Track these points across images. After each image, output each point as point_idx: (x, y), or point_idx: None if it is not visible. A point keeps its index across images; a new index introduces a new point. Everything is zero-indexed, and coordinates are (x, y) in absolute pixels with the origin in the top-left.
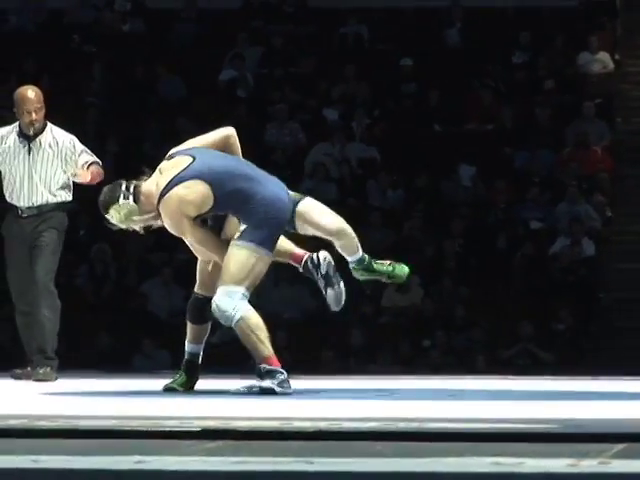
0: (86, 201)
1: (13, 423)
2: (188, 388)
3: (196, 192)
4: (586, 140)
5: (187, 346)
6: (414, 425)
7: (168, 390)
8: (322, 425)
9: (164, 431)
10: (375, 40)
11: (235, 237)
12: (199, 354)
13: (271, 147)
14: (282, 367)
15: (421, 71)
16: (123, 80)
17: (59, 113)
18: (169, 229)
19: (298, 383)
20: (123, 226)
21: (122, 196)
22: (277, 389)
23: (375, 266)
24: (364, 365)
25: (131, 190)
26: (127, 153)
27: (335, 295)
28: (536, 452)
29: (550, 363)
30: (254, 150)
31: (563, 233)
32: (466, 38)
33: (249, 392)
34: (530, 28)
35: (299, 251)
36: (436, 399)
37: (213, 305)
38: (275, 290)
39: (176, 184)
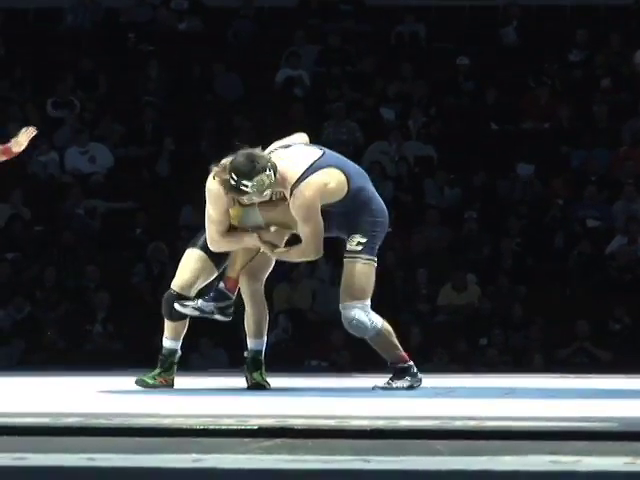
0: (142, 200)
1: (69, 421)
2: (169, 384)
3: (337, 181)
4: None
5: (165, 342)
6: (471, 423)
7: (139, 383)
8: (379, 423)
9: (221, 429)
10: (432, 38)
11: (357, 249)
12: (177, 350)
13: (328, 146)
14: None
15: (478, 69)
16: (180, 79)
17: (116, 112)
18: (295, 212)
19: (356, 382)
20: (255, 197)
21: (268, 168)
22: (415, 384)
23: None
24: (421, 363)
25: (271, 168)
26: (184, 151)
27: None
28: (593, 450)
29: (607, 362)
30: None
31: (620, 232)
32: (523, 36)
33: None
34: (587, 26)
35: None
36: (493, 397)
37: (352, 321)
38: (333, 289)
39: (315, 170)
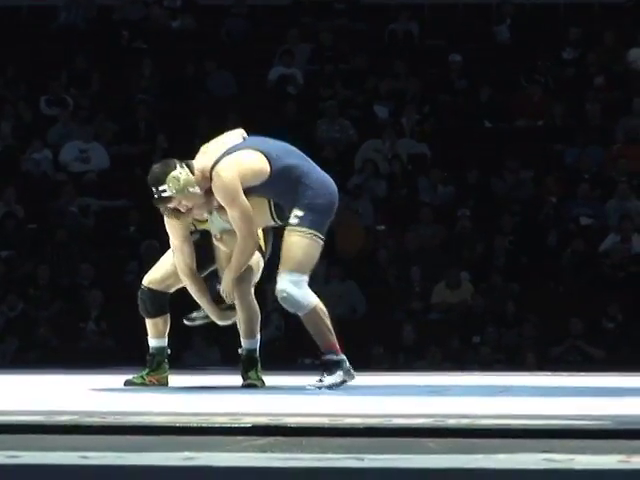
0: (136, 198)
1: (62, 419)
2: (162, 383)
3: (253, 159)
4: (636, 136)
5: (149, 341)
6: (465, 422)
7: (128, 384)
8: (372, 421)
9: (214, 427)
10: (425, 36)
11: (293, 222)
12: (163, 348)
13: (321, 143)
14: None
15: (471, 67)
16: (173, 77)
17: (109, 109)
18: (219, 198)
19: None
20: (177, 200)
21: (177, 167)
22: (348, 380)
23: None
24: (414, 361)
25: (184, 165)
26: (177, 149)
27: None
28: (587, 448)
29: (600, 360)
30: (304, 147)
31: (613, 230)
32: (516, 34)
33: (323, 388)
34: (580, 24)
35: None
36: (486, 395)
37: (283, 294)
38: (326, 287)
39: (229, 153)
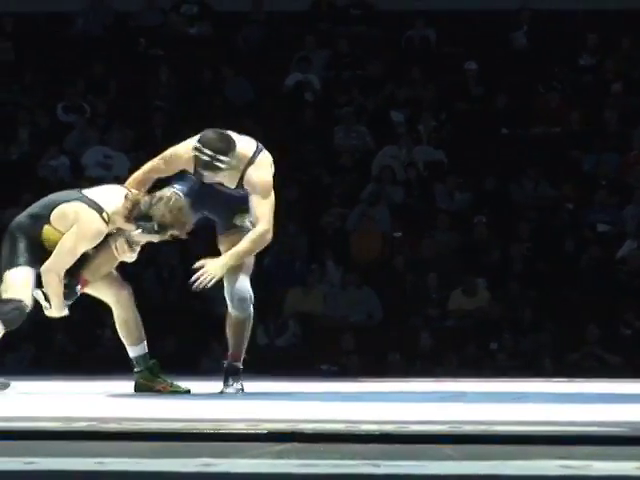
0: None
1: (79, 425)
2: (174, 389)
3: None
4: None
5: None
6: (481, 428)
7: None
8: (389, 428)
9: (231, 434)
10: (442, 43)
11: (249, 226)
12: (142, 356)
13: (338, 150)
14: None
15: (488, 74)
16: (190, 83)
17: (126, 116)
18: (254, 190)
19: (365, 386)
20: (226, 172)
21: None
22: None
23: None
24: (431, 368)
25: None
26: None
27: None
28: (604, 455)
29: (617, 366)
30: (321, 153)
31: (630, 236)
32: (533, 41)
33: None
34: (597, 31)
35: None
36: (503, 402)
37: (247, 294)
38: (342, 293)
39: (260, 151)
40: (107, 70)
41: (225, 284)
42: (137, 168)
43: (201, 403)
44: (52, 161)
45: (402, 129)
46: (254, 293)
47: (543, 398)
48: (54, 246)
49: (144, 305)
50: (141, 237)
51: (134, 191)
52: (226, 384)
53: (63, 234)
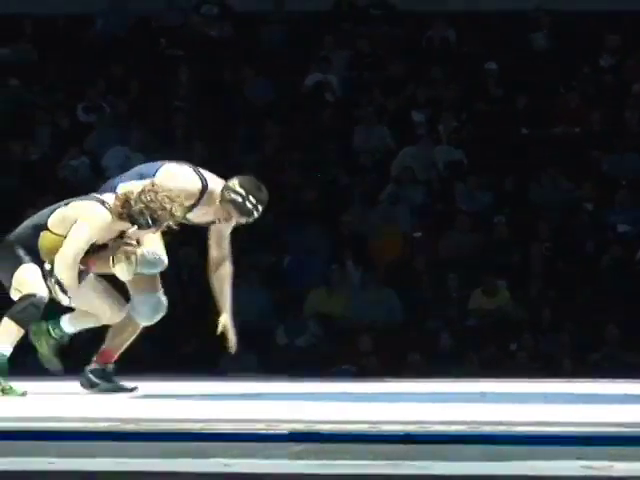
0: None
1: (100, 426)
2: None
3: None
4: None
5: None
6: (501, 428)
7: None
8: (410, 428)
9: (252, 434)
10: (462, 43)
11: None
12: None
13: (358, 151)
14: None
15: (508, 74)
16: (210, 84)
17: (147, 117)
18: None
19: (385, 386)
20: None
21: None
22: None
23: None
24: (451, 368)
25: None
26: (214, 156)
27: None
28: (625, 455)
29: (637, 366)
30: (341, 154)
31: None
32: (553, 41)
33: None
34: (617, 31)
35: None
36: (523, 402)
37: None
38: (362, 294)
39: None
40: (127, 70)
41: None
42: None
43: (220, 404)
44: (72, 161)
45: (422, 129)
46: (274, 294)
47: (563, 399)
48: (50, 253)
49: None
50: (138, 233)
51: (122, 191)
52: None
53: (63, 237)
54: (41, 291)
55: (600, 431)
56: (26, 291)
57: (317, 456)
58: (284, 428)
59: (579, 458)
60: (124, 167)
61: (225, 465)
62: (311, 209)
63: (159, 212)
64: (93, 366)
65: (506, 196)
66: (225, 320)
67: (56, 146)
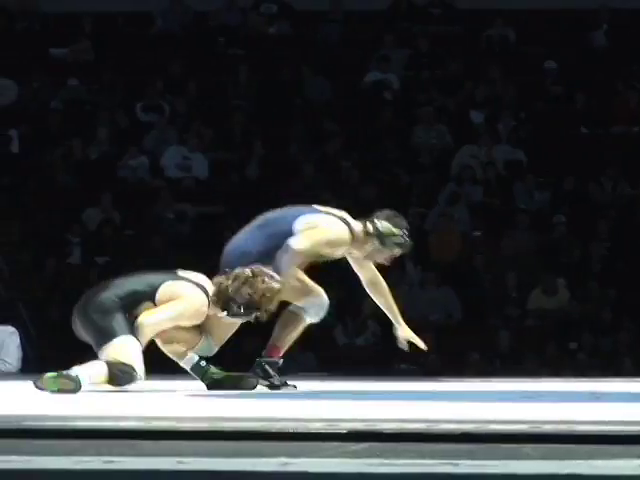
0: (232, 204)
1: (159, 424)
2: None
3: None
4: None
5: None
6: (562, 427)
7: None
8: (468, 427)
9: (310, 433)
10: (521, 42)
11: None
12: None
13: (417, 149)
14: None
15: (567, 73)
16: (269, 82)
17: (205, 116)
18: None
19: (444, 385)
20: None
21: None
22: None
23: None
24: (510, 367)
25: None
26: (273, 155)
27: None
28: None
29: None
30: (400, 152)
31: None
32: (613, 40)
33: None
34: None
35: None
36: (583, 401)
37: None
38: (421, 292)
39: None
40: (186, 70)
41: None
42: (214, 166)
43: (279, 402)
44: (131, 161)
45: (481, 128)
46: (333, 293)
47: (623, 397)
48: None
49: None
50: (229, 320)
51: (218, 277)
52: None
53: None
54: (141, 373)
55: None
56: (133, 363)
57: (376, 455)
58: (343, 427)
59: (639, 457)
60: (182, 167)
61: (284, 464)
62: (370, 208)
63: (257, 300)
64: (267, 359)
65: (565, 195)
66: (404, 334)
67: (115, 145)
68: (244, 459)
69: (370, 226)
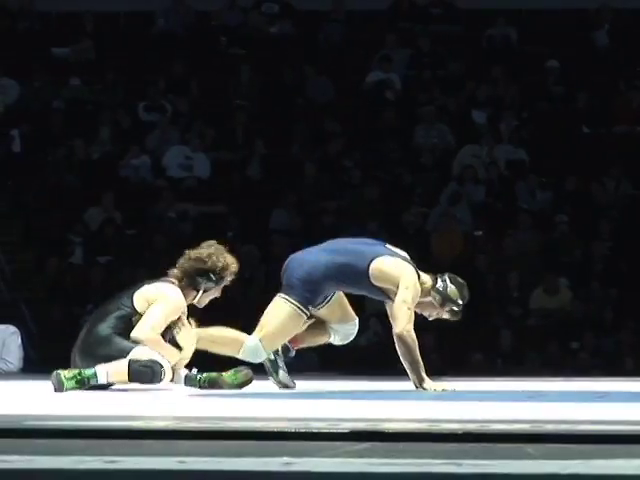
0: (234, 203)
1: (160, 424)
2: None
3: None
4: None
5: None
6: (563, 427)
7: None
8: (471, 427)
9: (313, 432)
10: (523, 42)
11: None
12: None
13: (419, 149)
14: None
15: (569, 73)
16: (271, 82)
17: (207, 116)
18: None
19: (447, 385)
20: None
21: None
22: None
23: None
24: (512, 367)
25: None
26: (275, 155)
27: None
28: None
29: None
30: (402, 152)
31: None
32: (615, 39)
33: None
34: None
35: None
36: (584, 401)
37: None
38: None
39: None
40: (188, 69)
41: None
42: (215, 165)
43: (282, 402)
44: (133, 160)
45: (483, 128)
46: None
47: (625, 397)
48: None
49: (225, 305)
50: (207, 296)
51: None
52: None
53: None
54: (167, 368)
55: None
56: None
57: (378, 454)
58: (346, 427)
59: None
60: (184, 166)
61: (286, 464)
62: (372, 208)
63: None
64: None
65: (567, 195)
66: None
67: (117, 145)
68: (247, 458)
69: (440, 283)
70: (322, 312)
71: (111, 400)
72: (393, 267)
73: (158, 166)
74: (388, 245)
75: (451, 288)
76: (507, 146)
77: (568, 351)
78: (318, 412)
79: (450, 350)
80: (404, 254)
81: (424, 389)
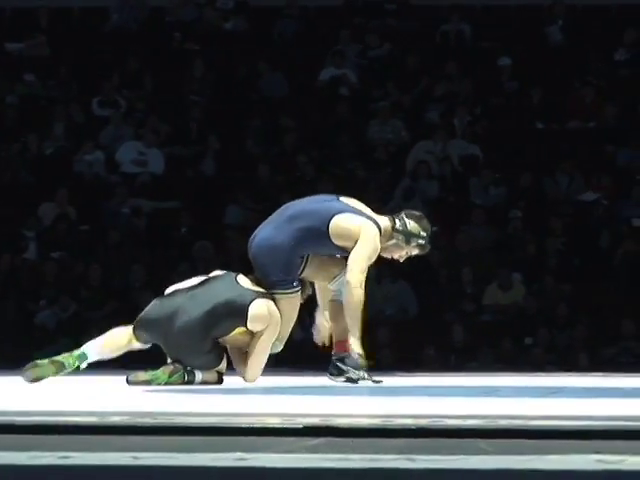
0: (188, 199)
1: (114, 420)
2: None
3: None
4: None
5: None
6: (516, 422)
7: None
8: (424, 422)
9: (266, 428)
10: (477, 38)
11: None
12: None
13: (373, 145)
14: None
15: (523, 69)
16: (225, 78)
17: (161, 111)
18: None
19: (399, 380)
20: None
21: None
22: None
23: None
24: (465, 362)
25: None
26: (229, 151)
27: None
28: (638, 449)
29: None
30: (356, 148)
31: None
32: (568, 35)
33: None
34: (633, 25)
35: None
36: (538, 397)
37: None
38: (377, 287)
39: None
40: (142, 65)
41: None
42: (169, 161)
43: (236, 398)
44: (87, 156)
45: (437, 124)
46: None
47: (578, 393)
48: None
49: None
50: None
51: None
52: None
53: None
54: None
55: (615, 425)
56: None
57: (332, 450)
58: (300, 422)
59: (594, 452)
60: (138, 162)
61: (240, 459)
62: None
63: None
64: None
65: (521, 190)
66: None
67: (71, 140)
68: (200, 454)
69: (399, 223)
70: (306, 273)
71: (64, 395)
72: (350, 224)
73: (112, 161)
74: (342, 198)
75: (411, 224)
76: (460, 142)
77: (522, 346)
78: (271, 408)
79: (403, 345)
80: (360, 206)
81: (353, 350)
